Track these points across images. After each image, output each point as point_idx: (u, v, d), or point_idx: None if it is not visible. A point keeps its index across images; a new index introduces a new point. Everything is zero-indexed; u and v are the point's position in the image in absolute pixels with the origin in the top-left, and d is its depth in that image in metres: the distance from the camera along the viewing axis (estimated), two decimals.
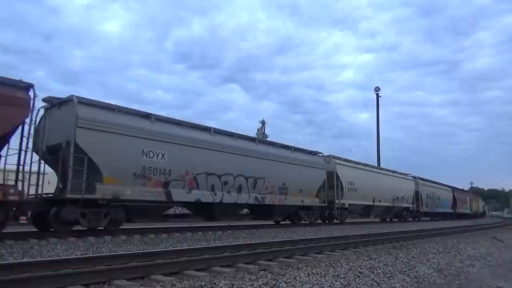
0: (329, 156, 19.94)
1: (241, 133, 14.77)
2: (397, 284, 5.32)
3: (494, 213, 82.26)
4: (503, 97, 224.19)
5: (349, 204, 20.16)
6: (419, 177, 31.05)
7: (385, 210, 25.13)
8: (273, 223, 17.33)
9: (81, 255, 6.57)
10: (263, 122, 53.96)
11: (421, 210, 29.90)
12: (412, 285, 5.43)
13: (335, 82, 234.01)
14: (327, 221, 19.71)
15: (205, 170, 12.65)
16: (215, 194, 12.97)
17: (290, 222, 17.42)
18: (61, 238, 8.86)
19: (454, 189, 40.63)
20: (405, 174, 29.08)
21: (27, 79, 9.46)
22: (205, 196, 12.58)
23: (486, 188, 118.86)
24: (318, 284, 4.89)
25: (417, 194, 29.36)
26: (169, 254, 6.04)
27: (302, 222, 17.31)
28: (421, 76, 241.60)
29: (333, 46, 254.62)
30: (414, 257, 7.67)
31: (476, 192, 75.85)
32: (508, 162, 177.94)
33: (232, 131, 14.38)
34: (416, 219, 29.72)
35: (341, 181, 19.51)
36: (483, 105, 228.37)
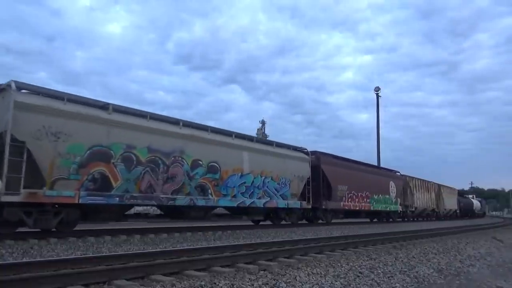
0: None
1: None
2: (397, 284, 5.32)
3: (494, 213, 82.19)
4: (502, 98, 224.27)
5: None
6: (115, 106, 10.26)
7: None
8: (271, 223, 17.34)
9: (81, 255, 6.58)
10: (263, 122, 54.30)
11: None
12: (412, 285, 5.42)
13: (335, 82, 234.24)
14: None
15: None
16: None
17: None
18: (61, 238, 8.86)
19: (321, 156, 18.65)
20: None
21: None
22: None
23: (486, 188, 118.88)
24: (318, 284, 4.90)
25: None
26: (169, 254, 6.04)
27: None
28: (420, 77, 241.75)
29: (333, 47, 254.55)
30: (414, 257, 7.68)
31: (476, 191, 74.70)
32: (508, 162, 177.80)
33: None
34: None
35: None
36: (483, 105, 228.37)
